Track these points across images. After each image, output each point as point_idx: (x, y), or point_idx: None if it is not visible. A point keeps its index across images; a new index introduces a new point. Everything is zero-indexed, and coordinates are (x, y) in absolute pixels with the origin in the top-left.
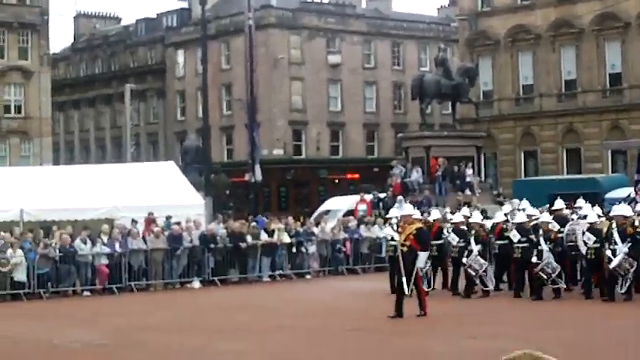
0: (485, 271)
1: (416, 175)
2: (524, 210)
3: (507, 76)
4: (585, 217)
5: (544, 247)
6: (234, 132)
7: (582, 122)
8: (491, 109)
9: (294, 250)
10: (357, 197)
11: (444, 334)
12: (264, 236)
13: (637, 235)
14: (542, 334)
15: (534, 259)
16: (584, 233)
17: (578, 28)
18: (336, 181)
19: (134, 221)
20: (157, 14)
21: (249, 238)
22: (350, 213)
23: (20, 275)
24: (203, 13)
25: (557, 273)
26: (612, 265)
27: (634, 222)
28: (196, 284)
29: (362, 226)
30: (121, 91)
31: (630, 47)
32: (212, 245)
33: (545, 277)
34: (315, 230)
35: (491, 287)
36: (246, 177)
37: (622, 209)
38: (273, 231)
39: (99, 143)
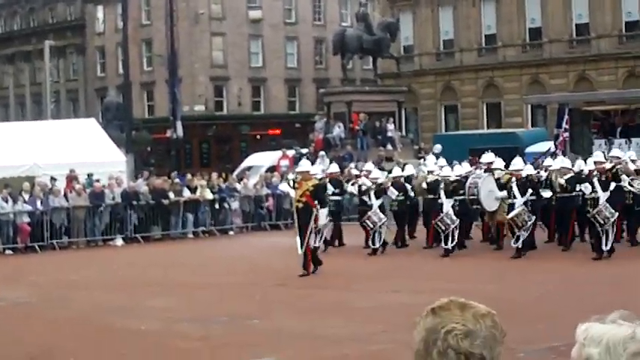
0: (382, 225)
1: (338, 130)
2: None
3: (428, 30)
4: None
5: (444, 199)
6: (155, 88)
7: (502, 77)
8: (412, 64)
9: (217, 206)
10: (279, 153)
11: (367, 289)
12: (186, 193)
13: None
14: (465, 287)
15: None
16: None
17: None
18: (258, 137)
19: (53, 179)
20: None
21: (171, 195)
22: (272, 169)
23: None
24: None
25: (454, 226)
26: (510, 215)
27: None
28: (119, 241)
29: (284, 182)
30: (40, 48)
31: (550, 1)
32: (134, 202)
33: (443, 227)
34: (238, 186)
35: (378, 245)
36: (168, 133)
37: (518, 164)
38: (196, 188)
39: (18, 100)
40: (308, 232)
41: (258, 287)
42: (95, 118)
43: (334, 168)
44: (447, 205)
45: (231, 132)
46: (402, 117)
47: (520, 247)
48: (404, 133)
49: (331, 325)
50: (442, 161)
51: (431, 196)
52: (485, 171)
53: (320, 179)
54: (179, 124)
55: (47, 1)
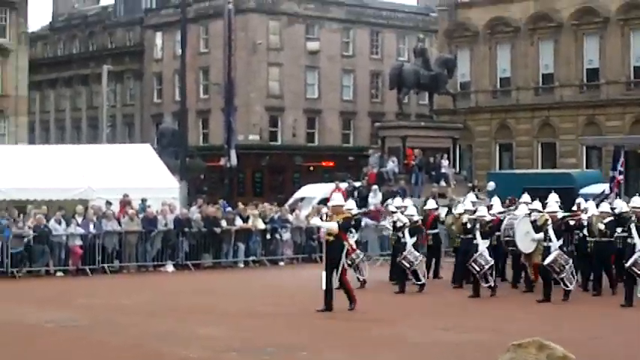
0: (420, 263)
1: (391, 164)
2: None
3: (485, 68)
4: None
5: (479, 240)
6: (210, 116)
7: (558, 117)
8: (469, 101)
9: (268, 236)
10: (331, 185)
11: (418, 325)
12: (238, 222)
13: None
14: (511, 327)
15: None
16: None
17: (557, 22)
18: (311, 168)
19: (108, 203)
20: None
21: (223, 223)
22: (325, 201)
23: None
24: None
25: (488, 267)
26: (547, 261)
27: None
28: (170, 268)
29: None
30: (98, 72)
31: (608, 43)
32: (186, 229)
33: (477, 268)
34: (290, 217)
35: (423, 280)
36: (222, 162)
37: (553, 206)
38: (248, 217)
39: (75, 124)
40: (340, 267)
41: (306, 319)
42: (150, 143)
43: (432, 204)
44: (483, 245)
45: (285, 162)
46: (457, 154)
47: (568, 289)
48: (458, 169)
49: None
50: (496, 201)
51: (467, 236)
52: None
53: (355, 214)
54: (233, 153)
55: (107, 26)
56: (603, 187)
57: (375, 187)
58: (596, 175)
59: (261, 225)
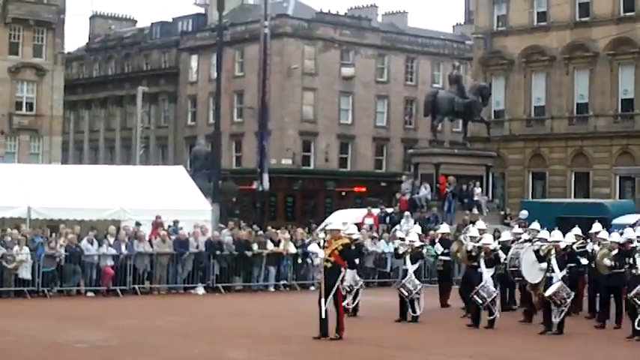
0: (418, 292)
1: (424, 191)
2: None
3: (520, 96)
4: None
5: (483, 269)
6: (243, 139)
7: (592, 146)
8: (502, 129)
9: (299, 260)
10: (364, 211)
11: (443, 351)
12: (270, 245)
13: None
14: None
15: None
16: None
17: (592, 52)
18: (344, 193)
19: (137, 224)
20: (173, 18)
21: (255, 247)
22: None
23: (25, 273)
24: (220, 19)
25: (491, 299)
26: (548, 292)
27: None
28: (200, 290)
29: (368, 240)
30: (133, 93)
31: None
32: (218, 252)
33: (479, 301)
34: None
35: (418, 312)
36: (254, 185)
37: (557, 235)
38: (280, 241)
39: (108, 144)
40: (334, 290)
41: (336, 344)
42: (183, 165)
43: (445, 228)
44: (487, 275)
45: (317, 187)
46: (490, 181)
47: (560, 323)
48: (490, 197)
49: None
50: (535, 225)
51: (472, 264)
52: (530, 241)
53: (355, 239)
54: (266, 177)
55: (142, 48)
56: (636, 217)
57: (407, 213)
58: (630, 205)
59: (292, 249)
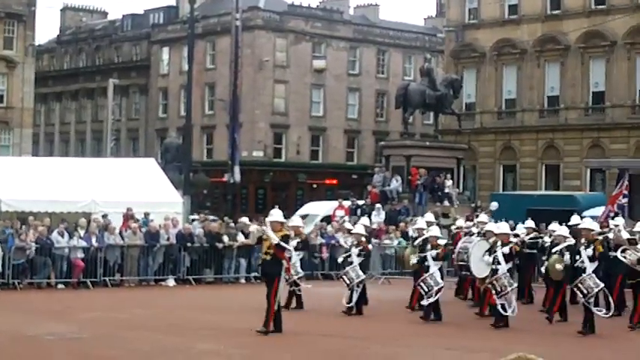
0: (360, 283)
1: (395, 183)
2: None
3: (491, 89)
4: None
5: (430, 262)
6: (215, 132)
7: (563, 139)
8: (473, 122)
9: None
10: (335, 203)
11: (420, 345)
12: (240, 237)
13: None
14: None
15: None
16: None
17: (563, 45)
18: (315, 185)
19: (104, 216)
20: (144, 10)
21: (225, 239)
22: (327, 218)
23: None
24: (192, 11)
25: (437, 288)
26: (489, 279)
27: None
28: (171, 282)
29: (339, 233)
30: (104, 86)
31: (615, 66)
32: (188, 244)
33: (425, 289)
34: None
35: (352, 303)
36: (225, 177)
37: (504, 227)
38: (250, 233)
39: (79, 137)
40: (276, 287)
41: (306, 337)
42: (154, 158)
43: (421, 223)
44: (434, 267)
45: (289, 179)
46: (461, 174)
47: (500, 314)
48: (461, 190)
49: None
50: (483, 217)
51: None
52: (478, 234)
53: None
54: (237, 169)
55: (113, 40)
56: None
57: (378, 205)
58: (600, 197)
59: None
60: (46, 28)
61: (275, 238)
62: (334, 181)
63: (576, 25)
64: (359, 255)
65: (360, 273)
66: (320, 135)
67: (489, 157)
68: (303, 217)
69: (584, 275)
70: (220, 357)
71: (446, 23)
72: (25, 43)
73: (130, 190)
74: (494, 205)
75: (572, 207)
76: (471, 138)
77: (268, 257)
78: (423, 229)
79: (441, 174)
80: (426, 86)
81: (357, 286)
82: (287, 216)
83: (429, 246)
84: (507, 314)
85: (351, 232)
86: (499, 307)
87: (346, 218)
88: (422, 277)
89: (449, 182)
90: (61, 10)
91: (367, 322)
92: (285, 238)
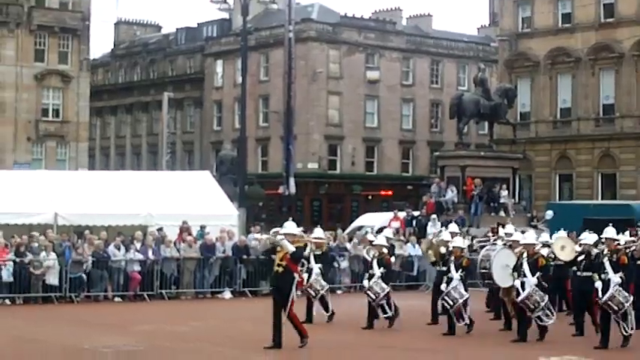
0: (386, 296)
1: (450, 194)
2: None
3: (545, 98)
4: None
5: (453, 274)
6: (269, 144)
7: (619, 147)
8: (528, 131)
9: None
10: (390, 214)
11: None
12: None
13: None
14: None
15: (443, 287)
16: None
17: (618, 53)
18: (370, 197)
19: (159, 229)
20: (198, 24)
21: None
22: (383, 230)
23: (52, 279)
24: (244, 24)
25: (462, 301)
26: (520, 298)
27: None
28: (227, 295)
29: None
30: (158, 99)
31: None
32: (244, 256)
33: (450, 302)
34: (348, 246)
35: (390, 313)
36: (280, 189)
37: (530, 237)
38: (306, 245)
39: (135, 150)
40: (290, 299)
41: (366, 347)
42: (210, 170)
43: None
44: (456, 278)
45: (343, 191)
46: (516, 184)
47: (544, 325)
48: (517, 200)
49: None
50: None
51: (442, 268)
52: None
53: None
54: (292, 181)
55: (167, 54)
56: None
57: (434, 216)
58: None
59: (318, 253)
60: (101, 43)
61: (291, 247)
62: (389, 192)
63: (630, 33)
64: (380, 266)
65: (384, 286)
66: (374, 146)
67: (545, 166)
68: (359, 228)
69: (611, 290)
70: None
71: (499, 32)
72: (80, 58)
73: (186, 202)
74: (549, 214)
75: (628, 216)
76: (526, 147)
77: (281, 269)
78: (448, 241)
79: (496, 184)
80: (480, 96)
81: (384, 299)
82: (342, 228)
83: (452, 257)
84: (548, 323)
85: (373, 243)
86: (535, 320)
87: (368, 230)
88: (446, 291)
89: (504, 192)
90: (115, 25)
91: (418, 332)
92: (300, 250)
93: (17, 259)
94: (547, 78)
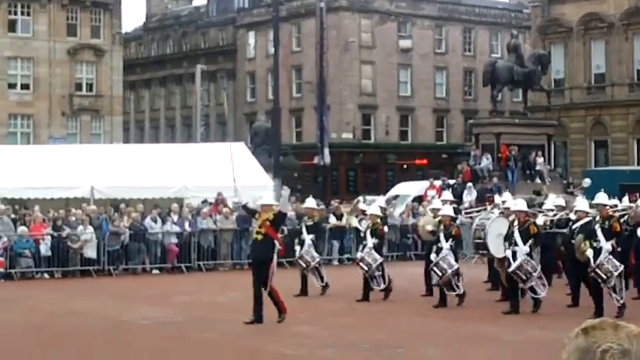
0: (379, 267)
1: (486, 162)
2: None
3: (579, 64)
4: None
5: (443, 243)
6: (303, 114)
7: None
8: (563, 98)
9: (362, 234)
10: (425, 183)
11: (513, 323)
12: (332, 219)
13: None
14: None
15: (432, 256)
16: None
17: None
18: (405, 166)
19: (205, 201)
20: None
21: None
22: (419, 198)
23: (90, 252)
24: None
25: (452, 271)
26: (511, 268)
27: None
28: None
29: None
30: (191, 72)
31: None
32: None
33: (439, 273)
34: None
35: (383, 286)
36: (315, 160)
37: (521, 204)
38: (342, 215)
39: (169, 123)
40: (271, 269)
41: (398, 317)
42: (244, 142)
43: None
44: (447, 248)
45: (378, 160)
46: (551, 151)
47: (537, 299)
48: (553, 167)
49: (481, 357)
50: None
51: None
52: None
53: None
54: (326, 151)
55: (200, 26)
56: None
57: (469, 184)
58: None
59: (355, 223)
60: (133, 16)
61: (284, 208)
62: (424, 161)
63: None
64: (373, 236)
65: (377, 256)
66: (408, 115)
67: (580, 133)
68: (394, 197)
69: (601, 258)
70: (314, 338)
71: None
72: (112, 32)
73: (221, 174)
74: (587, 182)
75: None
76: (561, 114)
77: (260, 237)
78: (438, 209)
79: (531, 151)
80: (514, 63)
81: (378, 270)
82: (377, 195)
83: (442, 226)
84: (541, 295)
85: (366, 213)
86: (528, 292)
87: (360, 199)
88: (434, 261)
89: (540, 159)
90: None
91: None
92: (281, 216)
93: (55, 234)
94: (580, 44)
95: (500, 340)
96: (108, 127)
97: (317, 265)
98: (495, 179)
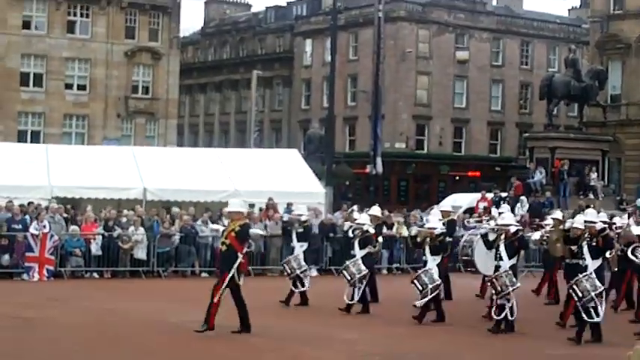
0: (363, 279)
1: (539, 175)
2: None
3: (637, 80)
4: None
5: (428, 257)
6: (357, 123)
7: None
8: (619, 114)
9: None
10: (478, 195)
11: (553, 337)
12: (383, 229)
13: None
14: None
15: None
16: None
17: None
18: (457, 177)
19: (251, 205)
20: (287, 2)
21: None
22: (470, 210)
23: (140, 253)
24: (334, 3)
25: (432, 287)
26: (489, 273)
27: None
28: (313, 272)
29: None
30: (247, 77)
31: None
32: (331, 234)
33: (420, 287)
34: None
35: (357, 299)
36: (368, 169)
37: (508, 218)
38: (393, 224)
39: (223, 127)
40: (225, 281)
41: (445, 328)
42: (297, 149)
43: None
44: (432, 262)
45: (431, 171)
46: (606, 166)
47: (500, 319)
48: (606, 182)
49: None
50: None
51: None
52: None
53: (304, 221)
54: (379, 161)
55: (257, 33)
56: None
57: (522, 198)
58: None
59: (405, 232)
60: (191, 21)
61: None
62: (477, 173)
63: None
64: (362, 248)
65: (363, 267)
66: (463, 127)
67: (635, 149)
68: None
69: (580, 276)
70: (362, 345)
71: (590, 14)
72: (170, 35)
73: (273, 180)
74: None
75: None
76: (617, 130)
77: (224, 248)
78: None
79: (585, 166)
80: (571, 77)
81: (360, 282)
82: (429, 208)
83: (428, 239)
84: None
85: (356, 222)
86: (507, 311)
87: (354, 208)
88: (416, 274)
89: (594, 175)
90: (205, 3)
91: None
92: (245, 229)
93: (106, 233)
94: (638, 60)
95: (542, 355)
96: (162, 130)
97: (300, 274)
98: (548, 193)
